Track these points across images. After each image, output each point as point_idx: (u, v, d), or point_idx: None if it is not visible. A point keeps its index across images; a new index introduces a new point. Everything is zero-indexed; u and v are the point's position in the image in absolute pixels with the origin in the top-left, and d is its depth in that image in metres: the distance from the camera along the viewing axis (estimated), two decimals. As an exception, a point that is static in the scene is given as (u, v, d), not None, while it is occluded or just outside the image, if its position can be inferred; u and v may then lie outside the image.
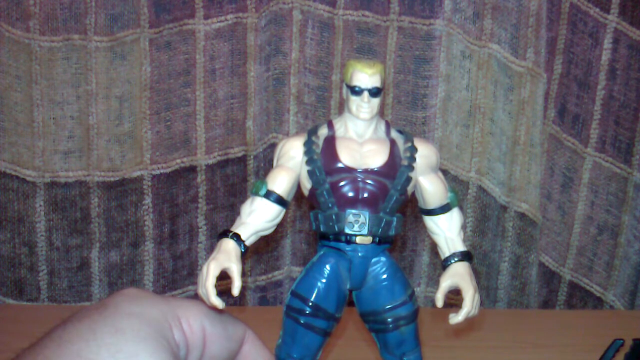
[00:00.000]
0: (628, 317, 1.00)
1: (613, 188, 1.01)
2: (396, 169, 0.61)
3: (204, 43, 0.94)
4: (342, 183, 0.60)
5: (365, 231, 0.60)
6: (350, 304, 0.63)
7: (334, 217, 0.60)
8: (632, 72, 0.97)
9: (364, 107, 0.60)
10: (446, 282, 0.62)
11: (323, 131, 0.62)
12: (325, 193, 0.60)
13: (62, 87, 0.93)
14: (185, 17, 0.93)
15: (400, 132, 0.63)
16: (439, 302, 0.61)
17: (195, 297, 0.57)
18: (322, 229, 0.60)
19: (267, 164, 0.99)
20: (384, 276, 0.61)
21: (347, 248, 0.60)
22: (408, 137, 0.62)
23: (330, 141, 0.61)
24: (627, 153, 0.99)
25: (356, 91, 0.60)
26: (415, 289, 0.63)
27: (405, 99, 0.98)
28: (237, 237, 0.59)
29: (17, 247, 0.97)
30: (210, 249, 1.00)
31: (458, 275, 0.62)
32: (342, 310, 0.62)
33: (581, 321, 0.97)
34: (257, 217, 0.60)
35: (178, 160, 0.97)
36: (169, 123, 0.96)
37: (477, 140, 0.99)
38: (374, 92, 0.60)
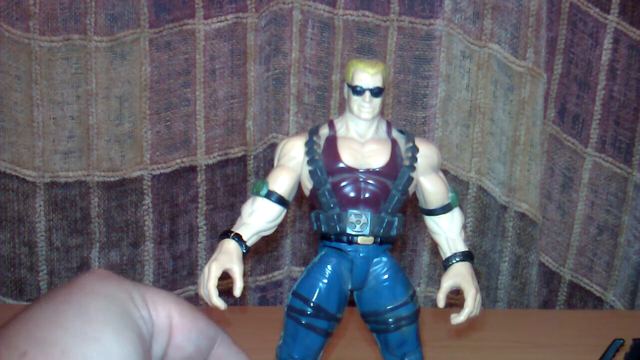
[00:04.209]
0: (628, 317, 1.00)
1: (613, 188, 1.01)
2: (398, 169, 0.61)
3: (204, 43, 0.94)
4: (343, 183, 0.60)
5: (367, 231, 0.60)
6: (352, 304, 0.63)
7: (335, 217, 0.60)
8: (632, 72, 0.97)
9: (365, 107, 0.60)
10: (448, 283, 0.62)
11: (324, 131, 0.62)
12: (326, 193, 0.60)
13: (62, 87, 0.93)
14: (185, 17, 0.93)
15: (401, 132, 0.63)
16: (441, 303, 0.61)
17: (196, 297, 0.57)
18: (323, 229, 0.60)
19: (267, 164, 0.99)
20: (386, 276, 0.61)
21: (349, 248, 0.60)
22: (409, 137, 0.62)
23: (332, 141, 0.61)
24: (627, 153, 0.99)
25: (358, 91, 0.60)
26: (415, 289, 0.63)
27: (405, 99, 0.98)
28: (238, 238, 0.59)
29: (17, 247, 0.97)
30: (210, 249, 1.00)
31: (459, 276, 0.62)
32: (344, 311, 0.62)
33: (581, 321, 0.97)
34: (258, 217, 0.60)
35: (178, 160, 0.97)
36: (169, 123, 0.96)
37: (477, 140, 0.99)
38: (376, 92, 0.60)
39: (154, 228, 0.99)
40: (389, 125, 0.63)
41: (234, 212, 0.99)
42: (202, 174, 0.98)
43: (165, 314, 0.50)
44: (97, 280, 0.49)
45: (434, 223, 0.64)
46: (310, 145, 0.61)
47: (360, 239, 0.60)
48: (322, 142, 0.61)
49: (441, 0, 0.95)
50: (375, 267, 0.61)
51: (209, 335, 0.52)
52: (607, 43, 0.96)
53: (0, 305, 0.98)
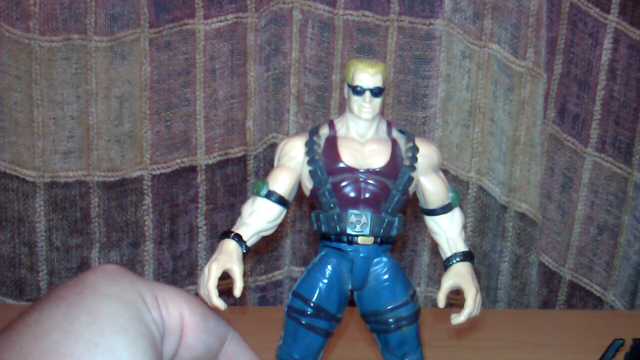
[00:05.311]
0: (628, 317, 1.00)
1: (613, 188, 1.01)
2: (398, 169, 0.61)
3: (204, 43, 0.94)
4: (344, 183, 0.60)
5: (367, 231, 0.60)
6: (352, 304, 0.63)
7: (335, 217, 0.60)
8: (632, 72, 0.97)
9: (365, 107, 0.60)
10: (448, 283, 0.61)
11: (324, 131, 0.62)
12: (327, 193, 0.60)
13: (62, 87, 0.93)
14: (185, 17, 0.93)
15: (401, 132, 0.63)
16: (441, 303, 0.61)
17: (196, 297, 0.57)
18: (323, 230, 0.60)
19: (267, 164, 0.99)
20: (386, 276, 0.61)
21: (349, 248, 0.60)
22: (409, 137, 0.62)
23: (332, 141, 0.61)
24: (627, 153, 0.99)
25: (358, 91, 0.60)
26: (415, 289, 0.63)
27: (405, 99, 0.98)
28: (238, 238, 0.59)
29: (17, 247, 0.97)
30: (210, 249, 1.00)
31: (460, 276, 0.62)
32: (344, 311, 0.62)
33: (581, 321, 0.97)
34: (259, 217, 0.60)
35: (178, 160, 0.97)
36: (169, 123, 0.96)
37: (477, 140, 0.99)
38: (376, 92, 0.60)
39: (154, 228, 0.99)
40: (389, 125, 0.63)
41: (234, 212, 0.99)
42: (202, 174, 0.98)
43: (177, 313, 0.50)
44: (107, 280, 0.48)
45: (434, 223, 0.64)
46: (310, 145, 0.61)
47: (360, 239, 0.60)
48: (322, 142, 0.61)
49: (441, 0, 0.95)
50: (375, 267, 0.61)
51: (219, 334, 0.52)
52: (607, 43, 0.96)
53: (0, 305, 0.98)
